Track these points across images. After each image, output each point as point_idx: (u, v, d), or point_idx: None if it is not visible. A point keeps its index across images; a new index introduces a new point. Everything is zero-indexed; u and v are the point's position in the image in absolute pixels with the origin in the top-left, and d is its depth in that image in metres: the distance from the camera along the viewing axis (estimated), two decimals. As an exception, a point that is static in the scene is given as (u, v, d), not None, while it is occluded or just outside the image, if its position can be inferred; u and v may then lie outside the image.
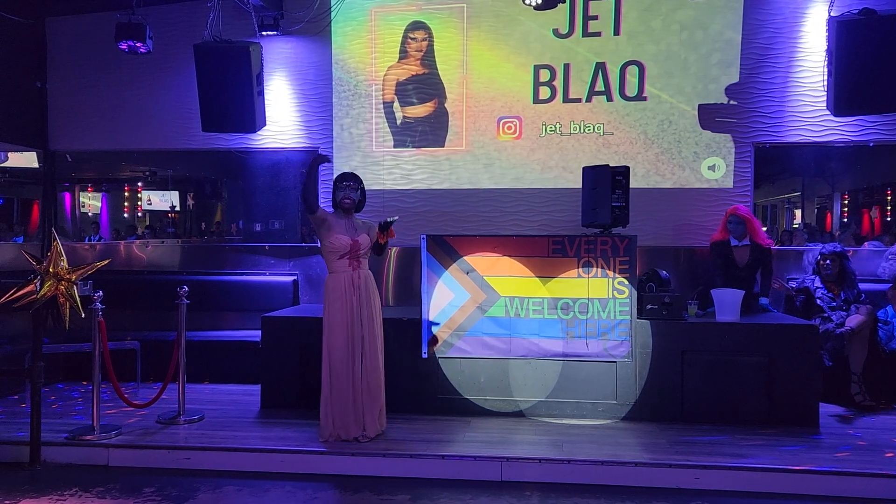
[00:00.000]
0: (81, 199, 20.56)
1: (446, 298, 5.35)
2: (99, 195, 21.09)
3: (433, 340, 5.30)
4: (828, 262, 5.88)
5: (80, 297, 4.71)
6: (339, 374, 4.70)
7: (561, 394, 5.32)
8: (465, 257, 5.34)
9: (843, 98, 5.62)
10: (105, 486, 4.23)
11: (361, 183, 4.90)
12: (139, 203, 20.41)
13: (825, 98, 5.95)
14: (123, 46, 6.24)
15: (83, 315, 4.72)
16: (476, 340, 5.34)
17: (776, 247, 6.79)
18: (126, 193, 20.63)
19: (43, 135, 7.23)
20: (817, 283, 5.93)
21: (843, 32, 5.55)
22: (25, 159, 14.21)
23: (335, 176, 4.94)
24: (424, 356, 5.37)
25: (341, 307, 4.70)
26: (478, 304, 5.33)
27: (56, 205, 7.94)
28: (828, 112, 5.94)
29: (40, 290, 4.59)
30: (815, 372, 5.17)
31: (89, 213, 20.50)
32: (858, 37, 5.51)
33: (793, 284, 6.18)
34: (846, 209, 16.02)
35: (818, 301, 5.86)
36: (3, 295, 4.65)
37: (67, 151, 7.55)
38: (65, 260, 4.69)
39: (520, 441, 4.76)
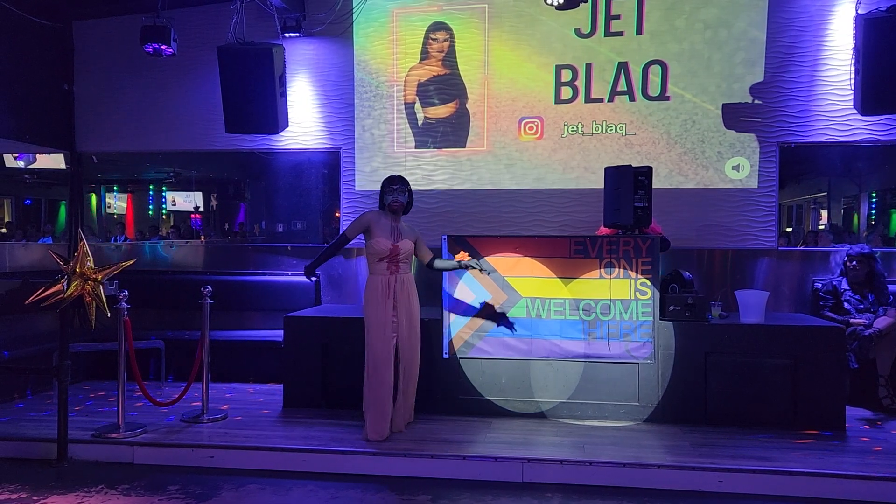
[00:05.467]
0: (107, 199, 20.83)
1: (467, 299, 5.36)
2: (125, 196, 21.37)
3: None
4: (854, 263, 5.79)
5: (105, 296, 4.77)
6: (377, 376, 4.75)
7: (583, 395, 5.29)
8: (486, 258, 5.33)
9: (870, 97, 5.53)
10: (130, 484, 4.29)
11: (409, 185, 4.97)
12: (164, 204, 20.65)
13: (852, 97, 5.86)
14: (149, 49, 6.32)
15: (109, 314, 4.79)
16: (497, 341, 5.33)
17: (801, 248, 6.70)
18: (150, 194, 20.89)
19: (70, 137, 7.34)
20: (844, 286, 5.84)
21: (871, 30, 5.46)
22: (53, 161, 14.45)
23: (383, 179, 5.01)
24: (445, 356, 5.38)
25: (378, 309, 4.79)
26: (499, 304, 5.32)
27: (83, 206, 8.05)
28: (855, 111, 5.85)
29: (67, 289, 4.66)
30: (842, 374, 5.10)
31: (115, 214, 20.77)
32: (887, 34, 5.41)
33: (818, 286, 6.10)
34: (874, 209, 15.76)
35: (845, 304, 5.78)
36: (31, 294, 4.73)
37: (94, 153, 7.65)
38: (91, 260, 4.75)
39: (541, 442, 4.75)
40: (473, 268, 4.96)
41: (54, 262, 4.74)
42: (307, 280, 5.11)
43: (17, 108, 6.72)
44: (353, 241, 4.78)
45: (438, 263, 5.08)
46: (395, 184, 4.89)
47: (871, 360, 5.45)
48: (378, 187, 4.97)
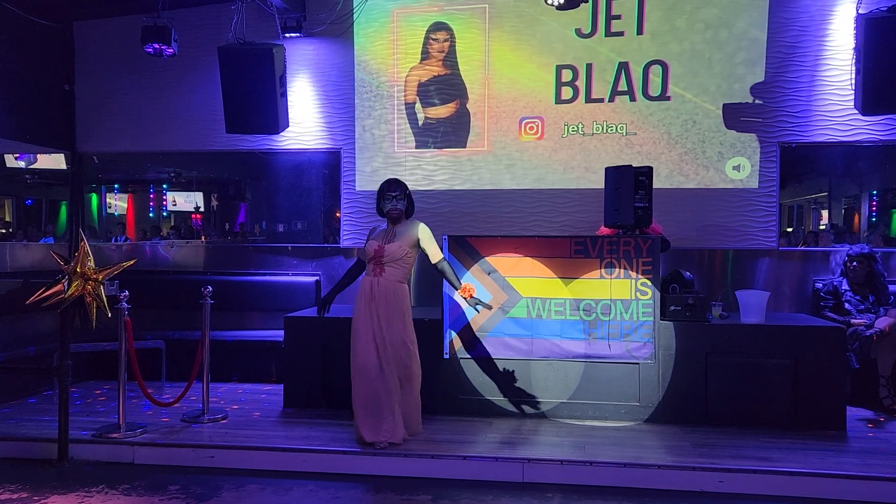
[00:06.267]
0: (108, 200, 20.86)
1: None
2: (125, 196, 21.39)
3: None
4: (854, 264, 5.79)
5: (106, 296, 4.77)
6: (356, 376, 4.68)
7: (583, 395, 5.29)
8: (486, 258, 5.33)
9: (871, 96, 5.53)
10: (130, 484, 4.29)
11: (407, 189, 4.80)
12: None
13: (853, 97, 5.86)
14: (149, 49, 6.31)
15: (109, 314, 4.79)
16: (498, 341, 5.33)
17: (801, 248, 6.69)
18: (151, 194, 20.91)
19: (71, 137, 7.34)
20: (845, 286, 5.84)
21: (872, 30, 5.46)
22: (54, 161, 14.45)
23: (380, 184, 4.84)
24: (446, 356, 5.38)
25: (358, 310, 4.72)
26: (499, 304, 5.32)
27: (84, 206, 8.05)
28: (856, 111, 5.84)
29: (68, 289, 4.66)
30: (842, 374, 5.10)
31: (115, 214, 20.80)
32: (887, 34, 5.40)
33: (819, 286, 6.10)
34: (874, 209, 15.75)
35: (846, 304, 5.77)
36: (31, 294, 4.73)
37: (94, 153, 7.65)
38: (92, 260, 4.76)
39: (541, 442, 4.75)
40: (477, 304, 4.75)
41: (55, 262, 4.74)
42: (317, 315, 4.97)
43: (18, 108, 6.72)
44: (355, 243, 4.73)
45: (443, 268, 4.77)
46: (393, 191, 4.73)
47: (872, 361, 5.45)
48: (378, 187, 4.90)
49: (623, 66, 6.50)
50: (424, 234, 4.77)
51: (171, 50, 6.36)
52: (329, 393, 5.58)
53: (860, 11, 5.81)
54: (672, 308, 5.26)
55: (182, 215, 20.70)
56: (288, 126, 6.73)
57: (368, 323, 4.67)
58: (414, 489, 4.22)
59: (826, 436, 4.89)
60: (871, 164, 13.95)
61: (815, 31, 6.24)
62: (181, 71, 7.09)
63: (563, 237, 5.44)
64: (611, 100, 6.53)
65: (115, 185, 20.60)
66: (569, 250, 5.28)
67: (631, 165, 5.55)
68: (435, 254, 4.78)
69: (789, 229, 17.21)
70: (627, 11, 6.47)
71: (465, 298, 4.75)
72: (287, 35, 6.74)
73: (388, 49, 6.89)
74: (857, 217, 16.40)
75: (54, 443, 4.65)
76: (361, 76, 6.92)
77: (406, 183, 4.86)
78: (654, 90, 6.46)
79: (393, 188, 4.75)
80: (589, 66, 6.55)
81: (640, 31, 6.47)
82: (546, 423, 5.23)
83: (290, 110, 6.73)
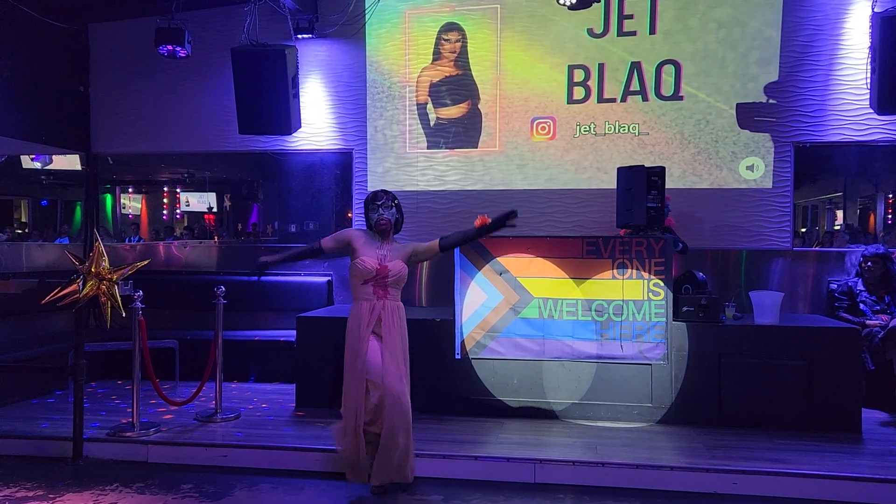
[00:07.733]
0: (122, 200, 21.02)
1: (479, 299, 5.35)
2: (139, 196, 21.55)
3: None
4: (869, 264, 5.74)
5: (120, 296, 4.80)
6: (349, 411, 4.22)
7: (595, 396, 5.28)
8: (498, 258, 5.33)
9: (886, 96, 5.48)
10: (144, 482, 4.32)
11: (396, 198, 4.33)
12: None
13: (868, 96, 5.81)
14: (163, 51, 6.36)
15: (124, 314, 4.82)
16: (509, 342, 5.33)
17: (816, 248, 6.64)
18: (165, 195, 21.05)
19: (85, 138, 7.40)
20: (860, 286, 5.79)
21: (887, 28, 5.41)
22: (69, 162, 14.58)
23: (366, 196, 4.41)
24: (457, 357, 5.38)
25: (358, 341, 4.17)
26: (511, 305, 5.31)
27: (98, 206, 8.11)
28: (871, 110, 5.79)
29: (83, 289, 4.69)
30: (858, 376, 5.06)
31: (129, 215, 20.95)
32: (903, 33, 5.37)
33: (834, 286, 6.05)
34: (890, 209, 15.61)
35: (861, 305, 5.72)
36: (47, 294, 4.77)
37: (109, 154, 7.71)
38: (106, 260, 4.79)
39: (553, 443, 4.74)
40: (498, 227, 4.15)
41: (70, 262, 4.78)
42: (254, 277, 4.39)
43: (34, 109, 6.79)
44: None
45: (448, 242, 4.30)
46: (379, 199, 4.25)
47: (888, 362, 5.39)
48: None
49: (635, 66, 6.48)
50: (413, 245, 4.37)
51: (185, 51, 6.41)
52: (341, 393, 5.57)
53: (875, 10, 5.76)
54: (685, 309, 5.23)
55: (195, 216, 20.82)
56: (300, 127, 6.74)
57: (367, 356, 4.14)
58: (425, 489, 4.22)
59: (841, 437, 4.85)
60: (887, 163, 13.83)
61: (830, 30, 6.19)
62: (194, 72, 7.14)
63: (575, 237, 5.42)
64: (623, 100, 6.51)
65: (129, 186, 20.75)
66: (581, 251, 5.27)
67: (643, 165, 5.53)
68: (432, 245, 4.29)
69: (803, 230, 17.10)
70: (640, 11, 6.45)
71: (484, 226, 4.20)
72: (299, 36, 6.77)
73: (399, 50, 6.90)
74: (872, 217, 16.26)
75: (69, 441, 4.69)
76: (373, 77, 6.94)
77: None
78: (667, 90, 6.43)
79: (379, 197, 4.28)
80: (601, 66, 6.53)
81: (652, 31, 6.44)
82: (558, 423, 5.22)
83: (302, 111, 6.75)
